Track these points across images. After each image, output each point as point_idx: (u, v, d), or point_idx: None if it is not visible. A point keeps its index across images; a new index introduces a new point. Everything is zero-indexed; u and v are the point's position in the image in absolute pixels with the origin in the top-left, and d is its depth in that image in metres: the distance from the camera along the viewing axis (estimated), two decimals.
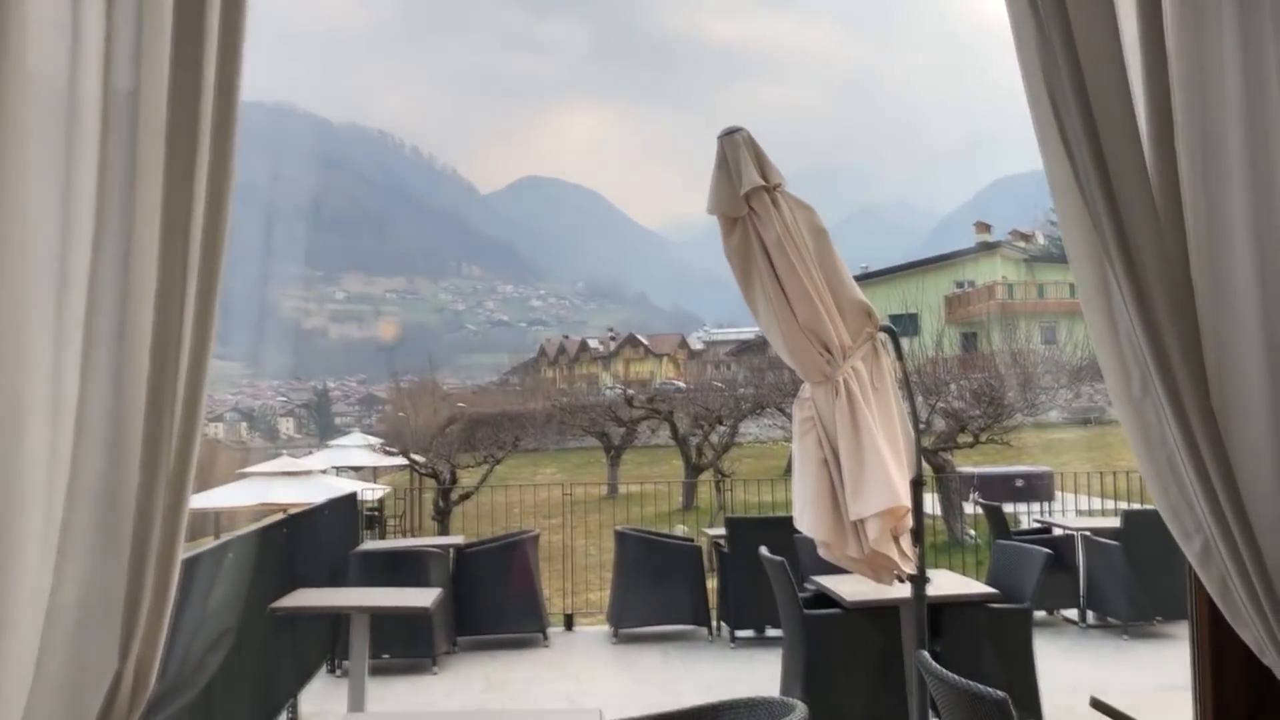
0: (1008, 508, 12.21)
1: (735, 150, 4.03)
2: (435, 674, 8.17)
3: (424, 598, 6.46)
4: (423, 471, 19.94)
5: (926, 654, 3.46)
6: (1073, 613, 9.40)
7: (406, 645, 8.27)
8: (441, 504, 17.88)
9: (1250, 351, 1.90)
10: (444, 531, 16.58)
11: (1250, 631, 1.97)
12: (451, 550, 9.26)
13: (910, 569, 4.26)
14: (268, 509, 12.48)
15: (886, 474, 3.94)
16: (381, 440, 24.72)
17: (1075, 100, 1.90)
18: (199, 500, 12.03)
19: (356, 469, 20.56)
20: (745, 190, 3.98)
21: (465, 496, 17.92)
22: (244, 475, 13.96)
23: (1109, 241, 1.91)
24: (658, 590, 9.23)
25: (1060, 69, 1.90)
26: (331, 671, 8.13)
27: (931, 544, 11.02)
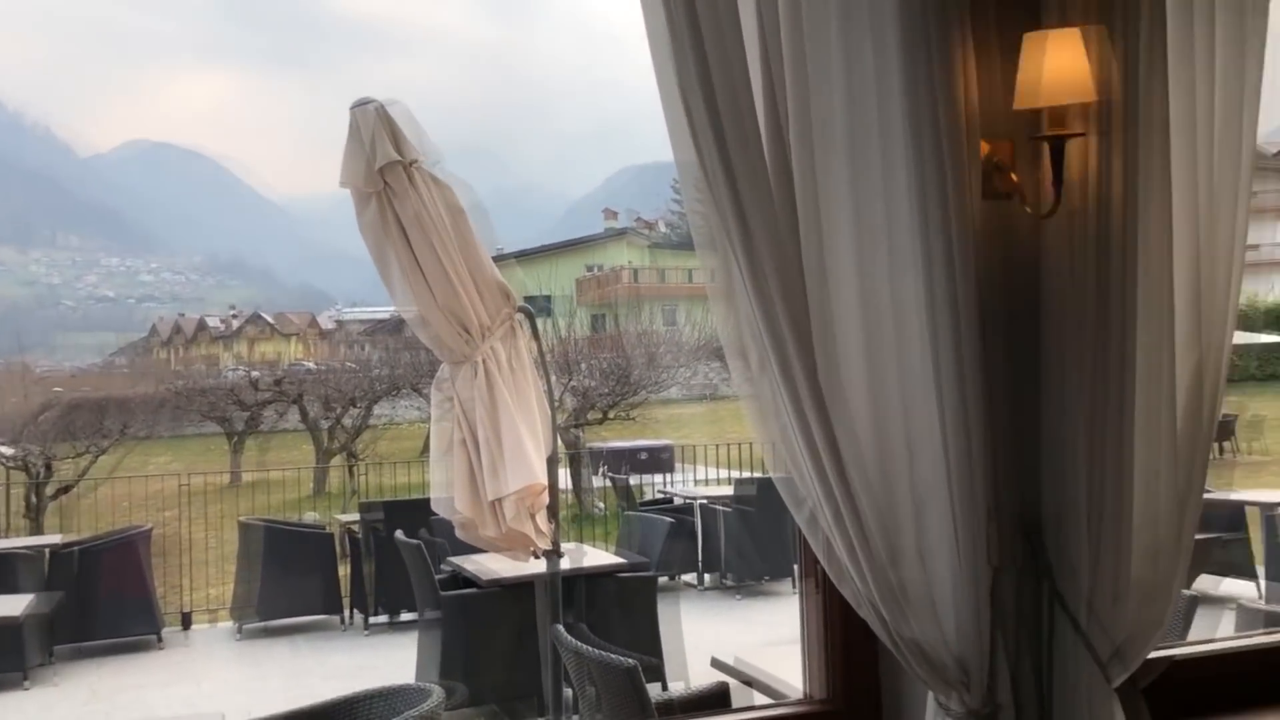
0: (634, 480, 12.85)
1: (369, 122, 3.89)
2: (27, 689, 7.33)
3: (12, 605, 5.83)
4: (11, 465, 17.79)
5: (561, 627, 3.55)
6: (692, 576, 10.05)
7: None
8: (35, 500, 16.07)
9: (851, 331, 2.08)
10: (38, 531, 14.93)
11: (850, 588, 2.17)
12: (47, 551, 8.45)
13: (546, 544, 4.35)
14: None
15: (524, 453, 3.98)
16: None
17: (701, 92, 1.98)
18: None
19: None
20: (380, 165, 3.86)
21: (63, 490, 16.19)
22: None
23: (731, 227, 2.02)
24: (287, 581, 8.85)
25: (688, 62, 1.98)
26: None
27: (565, 518, 11.37)
